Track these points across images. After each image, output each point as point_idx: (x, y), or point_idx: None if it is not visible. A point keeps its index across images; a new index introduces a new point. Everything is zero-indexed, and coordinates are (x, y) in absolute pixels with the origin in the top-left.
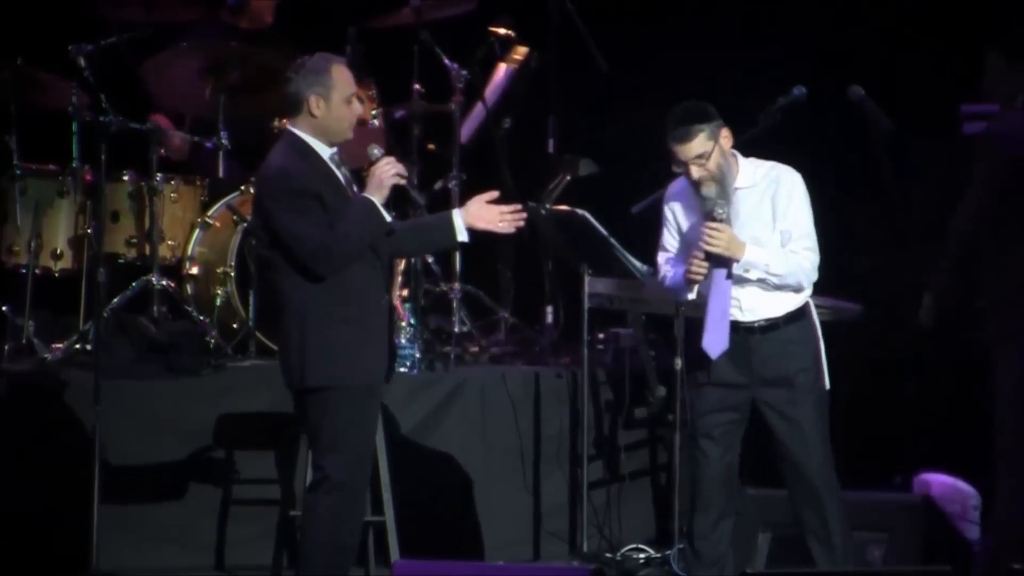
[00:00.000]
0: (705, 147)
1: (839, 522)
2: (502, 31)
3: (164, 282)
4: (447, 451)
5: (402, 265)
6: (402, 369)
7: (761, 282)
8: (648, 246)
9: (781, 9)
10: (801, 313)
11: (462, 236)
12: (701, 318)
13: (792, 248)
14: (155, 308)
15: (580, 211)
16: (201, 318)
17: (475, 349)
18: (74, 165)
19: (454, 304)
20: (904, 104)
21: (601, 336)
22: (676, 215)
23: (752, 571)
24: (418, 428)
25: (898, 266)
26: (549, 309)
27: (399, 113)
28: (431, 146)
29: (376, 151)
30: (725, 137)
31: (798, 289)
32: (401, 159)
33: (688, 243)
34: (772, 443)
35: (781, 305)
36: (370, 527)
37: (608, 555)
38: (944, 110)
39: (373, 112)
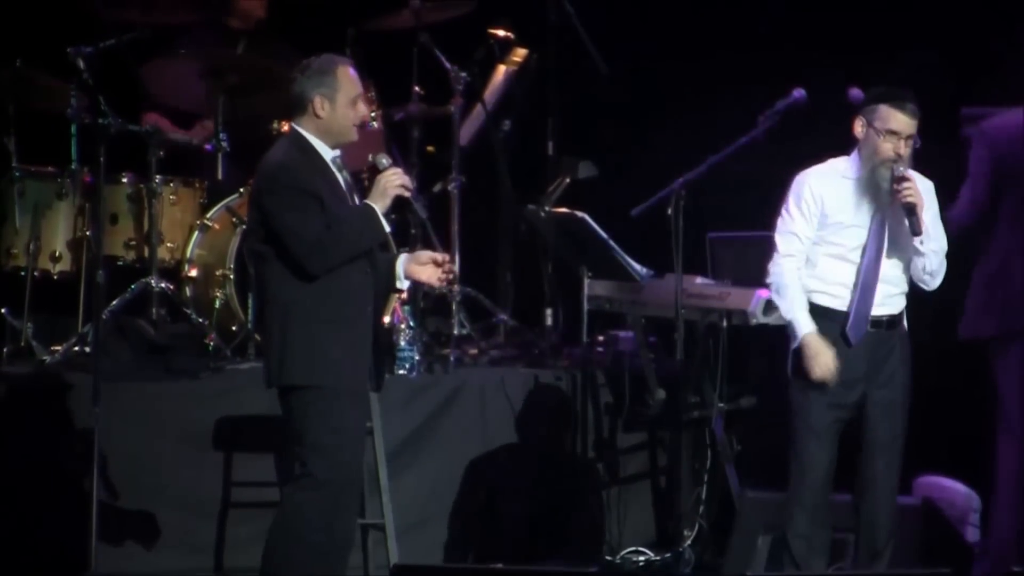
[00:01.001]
0: (916, 131)
1: (892, 537)
2: (501, 33)
3: (163, 284)
4: (446, 454)
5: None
6: (401, 372)
7: (922, 259)
8: (649, 248)
9: (782, 11)
10: (903, 317)
11: (401, 284)
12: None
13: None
14: (154, 310)
15: (579, 213)
16: (200, 320)
17: (474, 351)
18: (73, 167)
19: (453, 306)
20: None
21: (600, 338)
22: (823, 201)
23: (752, 574)
24: (417, 431)
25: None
26: (548, 311)
27: (398, 115)
28: (430, 148)
29: (384, 161)
30: None
31: (930, 285)
32: (401, 162)
33: (843, 226)
34: (862, 444)
35: (900, 303)
36: (368, 530)
37: (608, 558)
38: (944, 112)
39: (372, 114)
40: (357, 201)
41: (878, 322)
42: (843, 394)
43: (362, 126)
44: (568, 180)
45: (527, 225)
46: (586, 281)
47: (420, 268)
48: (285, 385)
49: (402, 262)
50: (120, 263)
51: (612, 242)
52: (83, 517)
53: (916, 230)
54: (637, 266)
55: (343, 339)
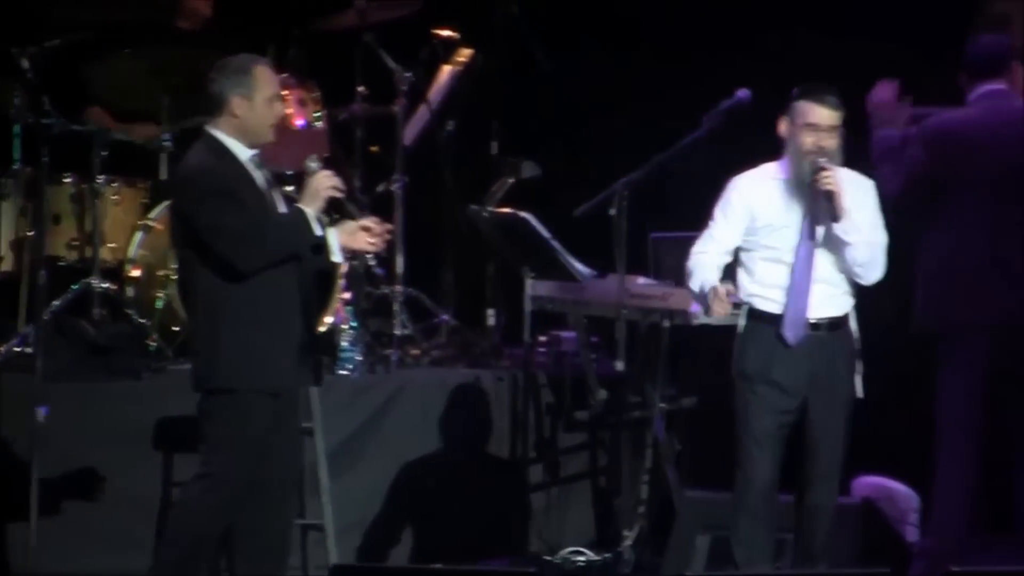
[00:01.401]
0: (837, 123)
1: (828, 538)
2: (446, 33)
3: (105, 285)
4: (387, 454)
5: (344, 268)
6: (343, 372)
7: (850, 249)
8: (592, 248)
9: (727, 14)
10: (849, 318)
11: (337, 257)
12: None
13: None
14: (96, 311)
15: (522, 213)
16: (142, 321)
17: (416, 352)
18: (15, 167)
19: (395, 307)
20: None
21: (542, 339)
22: (752, 206)
23: (691, 574)
24: (358, 431)
25: None
26: (490, 312)
27: (343, 115)
28: (374, 148)
29: (314, 164)
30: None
31: (866, 279)
32: (345, 161)
33: (775, 228)
34: (803, 447)
35: (841, 306)
36: (308, 530)
37: (548, 558)
38: None
39: (316, 114)
40: (277, 198)
41: (818, 324)
42: (785, 400)
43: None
44: (511, 180)
45: (470, 225)
46: (528, 281)
47: (351, 238)
48: (213, 388)
49: (334, 235)
50: (62, 263)
51: (555, 242)
52: (23, 518)
53: (835, 216)
54: (579, 266)
55: (272, 339)
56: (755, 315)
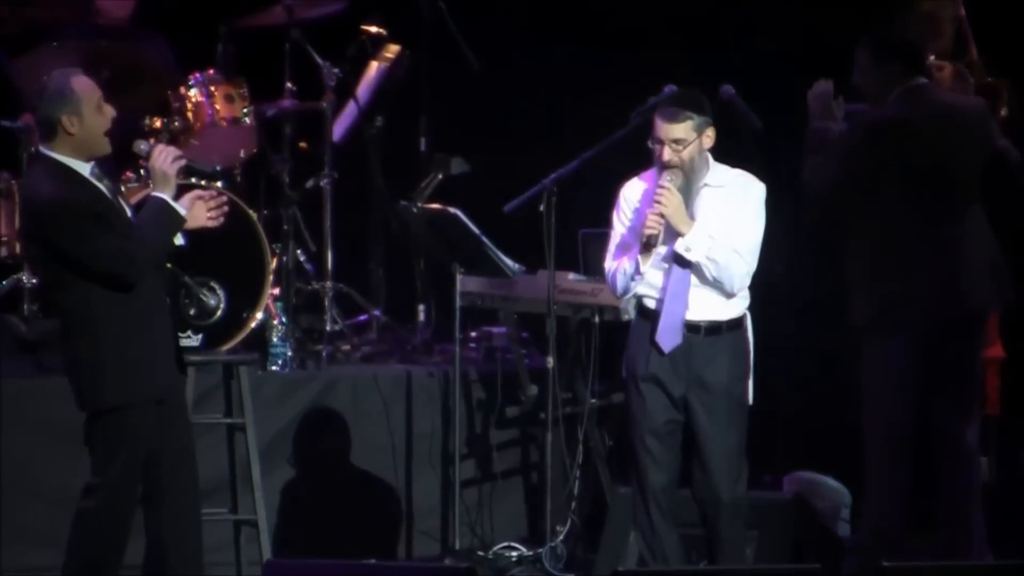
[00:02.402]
0: (687, 135)
1: (739, 537)
2: (374, 29)
3: (35, 280)
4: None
5: (273, 263)
6: (274, 368)
7: (697, 269)
8: (522, 244)
9: (651, 11)
10: (740, 323)
11: (178, 241)
12: (641, 319)
13: (735, 248)
14: (25, 306)
15: (452, 210)
16: None
17: (347, 348)
18: None
19: (326, 302)
20: (775, 102)
21: (473, 335)
22: (635, 206)
23: (624, 569)
24: (289, 427)
25: (766, 265)
26: (421, 308)
27: (271, 111)
28: (303, 144)
29: (143, 146)
30: (708, 136)
31: (729, 291)
32: (275, 154)
33: (639, 234)
34: (691, 446)
35: (725, 310)
36: (241, 526)
37: (480, 553)
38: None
39: (244, 110)
40: (124, 204)
41: (697, 327)
42: (668, 398)
43: (233, 123)
44: (440, 176)
45: (399, 221)
46: (458, 277)
47: (190, 215)
48: (100, 409)
49: None
50: None
51: (484, 238)
52: None
53: (652, 242)
54: (509, 262)
55: (150, 349)
56: (642, 312)
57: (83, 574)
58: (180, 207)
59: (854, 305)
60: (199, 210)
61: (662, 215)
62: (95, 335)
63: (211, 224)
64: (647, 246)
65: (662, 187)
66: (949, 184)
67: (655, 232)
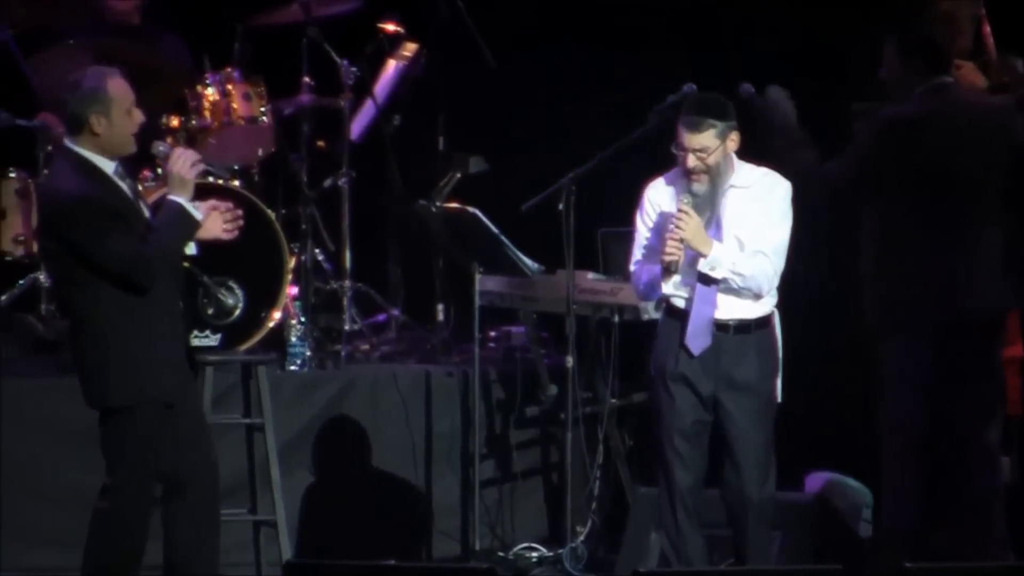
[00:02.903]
0: (710, 143)
1: (762, 537)
2: (391, 27)
3: (50, 278)
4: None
5: (292, 263)
6: (292, 367)
7: (724, 283)
8: (540, 243)
9: (676, 7)
10: (768, 321)
11: (190, 250)
12: (669, 319)
13: (761, 250)
14: (43, 306)
15: (471, 209)
16: None
17: (366, 347)
18: None
19: (344, 302)
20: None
21: (492, 334)
22: (660, 207)
23: (644, 570)
24: (309, 427)
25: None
26: (440, 307)
27: (288, 110)
28: (321, 143)
29: (161, 148)
30: (732, 140)
31: (758, 294)
32: (293, 153)
33: (663, 236)
34: (719, 446)
35: (753, 309)
36: (260, 526)
37: (500, 554)
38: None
39: (262, 109)
40: (143, 206)
41: (725, 325)
42: (697, 398)
43: (250, 121)
44: (459, 175)
45: (418, 220)
46: (477, 277)
47: (204, 225)
48: (110, 408)
49: None
50: (8, 259)
51: (503, 237)
52: None
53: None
54: (528, 261)
55: (159, 351)
56: (670, 311)
57: (100, 575)
58: (197, 212)
59: (868, 306)
60: (214, 221)
61: (682, 240)
62: (103, 334)
63: (225, 236)
64: (667, 271)
65: (680, 211)
66: (968, 183)
67: (675, 259)
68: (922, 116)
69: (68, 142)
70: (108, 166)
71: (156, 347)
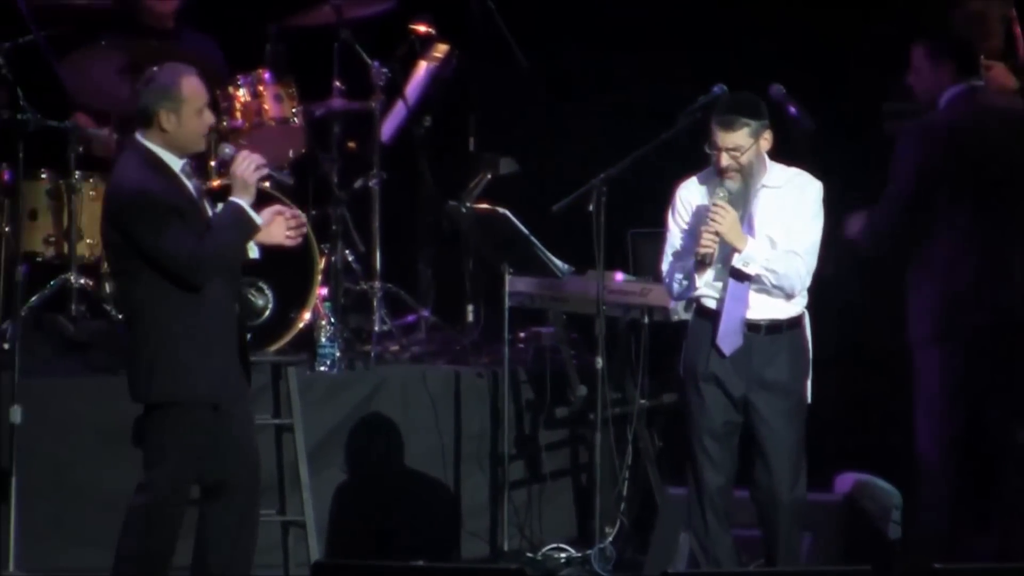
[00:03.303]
0: (744, 142)
1: (793, 538)
2: (422, 29)
3: (82, 280)
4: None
5: (322, 263)
6: (322, 368)
7: (758, 280)
8: (570, 244)
9: (707, 8)
10: (799, 321)
11: (252, 253)
12: (700, 319)
13: (793, 249)
14: (73, 307)
15: (501, 210)
16: (120, 317)
17: (395, 348)
18: None
19: (374, 303)
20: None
21: (522, 335)
22: (692, 207)
23: (673, 571)
24: (338, 427)
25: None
26: (470, 308)
27: (319, 111)
28: (352, 144)
29: (227, 150)
30: (765, 139)
31: (790, 293)
32: (324, 154)
33: (696, 236)
34: (750, 446)
35: (785, 309)
36: (289, 527)
37: (529, 555)
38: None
39: (293, 110)
40: (208, 207)
41: (757, 326)
42: (728, 398)
43: (281, 122)
44: (489, 176)
45: (448, 221)
46: (507, 277)
47: (267, 231)
48: (152, 403)
49: None
50: (39, 259)
51: (534, 238)
52: (1, 515)
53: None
54: (558, 262)
55: (208, 352)
56: (700, 312)
57: (130, 572)
58: (256, 216)
59: (907, 312)
60: (278, 227)
61: (717, 233)
62: (154, 328)
63: (288, 243)
64: (702, 264)
65: (716, 205)
66: (1001, 188)
67: (710, 251)
68: (955, 123)
69: (138, 135)
70: (176, 163)
71: (206, 347)
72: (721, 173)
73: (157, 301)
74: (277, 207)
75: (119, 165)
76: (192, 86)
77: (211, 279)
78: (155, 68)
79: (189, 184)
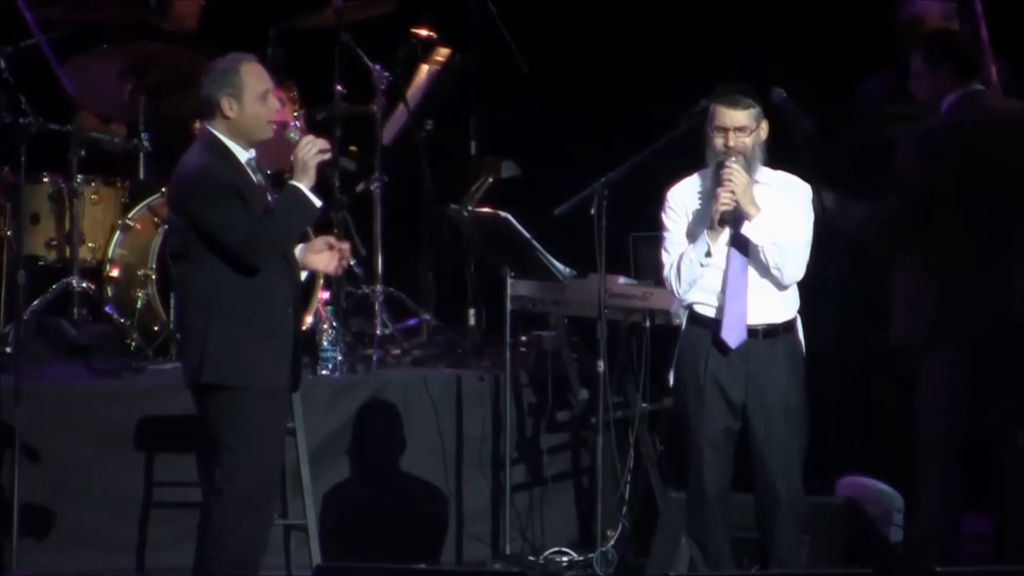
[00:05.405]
0: (749, 122)
1: (792, 539)
2: (424, 32)
3: (84, 284)
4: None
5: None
6: (324, 372)
7: (756, 257)
8: (572, 248)
9: (708, 11)
10: (793, 325)
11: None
12: (695, 326)
13: (792, 238)
14: (75, 310)
15: (502, 213)
16: (122, 320)
17: (397, 352)
18: None
19: (376, 306)
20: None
21: (523, 339)
22: (688, 211)
23: (675, 574)
24: (340, 431)
25: (818, 269)
26: (471, 311)
27: (321, 114)
28: (353, 148)
29: (294, 134)
30: (764, 128)
31: (785, 281)
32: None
33: (696, 236)
34: (749, 450)
35: (779, 313)
36: (291, 531)
37: (531, 558)
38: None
39: (295, 113)
40: (269, 197)
41: (754, 330)
42: (725, 404)
43: (284, 125)
44: (491, 180)
45: (450, 225)
46: (509, 281)
47: (316, 257)
48: (205, 384)
49: (298, 252)
50: (41, 263)
51: (535, 242)
52: (4, 518)
53: (744, 213)
54: (560, 266)
55: (264, 340)
56: (694, 319)
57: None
58: (316, 199)
59: (902, 323)
60: (328, 258)
61: (733, 192)
62: (210, 312)
63: (329, 272)
64: (721, 222)
65: (729, 167)
66: (1003, 192)
67: (729, 208)
68: (956, 126)
69: (206, 124)
70: (242, 154)
71: (258, 336)
72: (726, 154)
73: (211, 284)
74: (329, 238)
75: (186, 153)
76: (253, 71)
77: (268, 261)
78: (218, 58)
79: (255, 178)
